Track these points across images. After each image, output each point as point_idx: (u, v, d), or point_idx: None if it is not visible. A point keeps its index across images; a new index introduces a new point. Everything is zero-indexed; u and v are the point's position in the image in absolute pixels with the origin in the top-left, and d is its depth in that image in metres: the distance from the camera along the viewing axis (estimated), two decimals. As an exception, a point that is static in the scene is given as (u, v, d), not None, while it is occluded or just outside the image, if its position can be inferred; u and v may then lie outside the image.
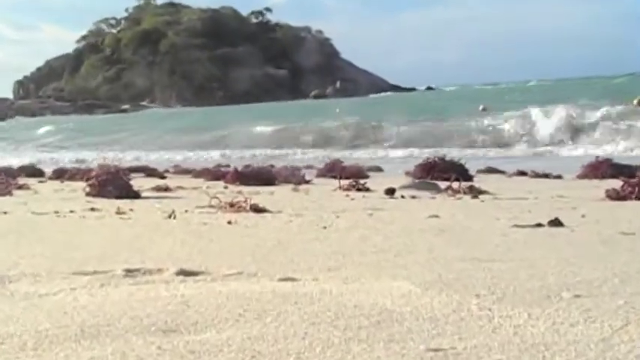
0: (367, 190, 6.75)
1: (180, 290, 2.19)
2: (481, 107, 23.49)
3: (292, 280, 2.36)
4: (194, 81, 69.83)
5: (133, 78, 71.98)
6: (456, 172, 7.90)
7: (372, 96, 59.36)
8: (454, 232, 3.62)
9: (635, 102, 21.34)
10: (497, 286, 2.23)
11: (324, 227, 3.80)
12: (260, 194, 6.31)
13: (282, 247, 3.11)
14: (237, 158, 16.23)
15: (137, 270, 2.51)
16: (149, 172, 10.84)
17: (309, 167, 12.10)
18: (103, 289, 2.22)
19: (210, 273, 2.48)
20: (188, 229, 3.74)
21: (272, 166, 10.38)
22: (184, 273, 2.46)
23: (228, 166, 10.98)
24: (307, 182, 8.37)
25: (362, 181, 7.07)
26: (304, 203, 5.41)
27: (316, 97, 64.74)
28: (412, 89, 74.40)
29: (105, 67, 74.60)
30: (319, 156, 17.11)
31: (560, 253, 2.94)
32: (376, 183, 7.60)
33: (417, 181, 7.38)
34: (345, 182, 7.14)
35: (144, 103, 68.70)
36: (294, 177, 8.45)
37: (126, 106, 65.77)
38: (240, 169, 8.41)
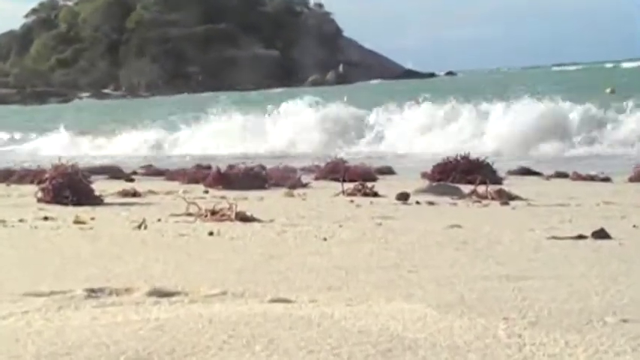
0: (375, 194, 6.79)
1: (153, 313, 2.23)
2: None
3: (286, 301, 2.39)
4: (167, 64, 69.81)
5: (93, 60, 71.96)
6: (482, 173, 7.95)
7: (384, 82, 59.42)
8: (479, 244, 3.66)
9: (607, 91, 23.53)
10: (530, 309, 2.27)
11: (324, 239, 3.84)
12: (248, 200, 6.34)
13: (275, 262, 3.15)
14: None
15: (101, 290, 2.54)
16: (114, 173, 10.87)
17: (304, 170, 12.14)
18: (62, 313, 2.25)
19: (189, 293, 2.52)
20: (162, 242, 3.78)
21: (263, 167, 10.40)
22: (158, 293, 2.50)
23: (209, 167, 11.01)
24: (304, 185, 8.41)
25: (369, 185, 7.12)
26: (301, 210, 5.45)
27: (314, 83, 64.74)
28: (431, 75, 74.66)
29: (59, 48, 74.53)
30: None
31: (605, 269, 2.98)
32: (386, 186, 7.63)
33: (434, 184, 7.43)
34: (349, 186, 7.18)
35: (107, 90, 68.63)
36: (289, 179, 8.49)
37: (85, 94, 65.74)
38: (223, 169, 8.45)
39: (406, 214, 5.20)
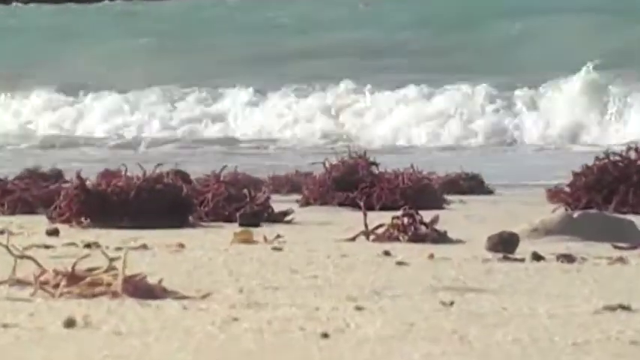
0: (440, 238, 6.95)
1: None
2: None
3: None
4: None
5: None
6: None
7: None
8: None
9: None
10: None
11: (325, 335, 3.95)
12: (150, 251, 6.47)
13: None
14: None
15: None
16: None
17: (276, 181, 12.23)
18: None
19: None
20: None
21: (184, 175, 10.46)
22: None
23: (59, 175, 11.08)
24: (280, 218, 8.56)
25: (426, 217, 7.25)
26: (270, 274, 5.59)
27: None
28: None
29: None
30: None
31: None
32: (467, 220, 7.73)
33: (576, 214, 7.53)
34: (380, 218, 7.33)
35: None
36: (243, 204, 8.61)
37: None
38: (93, 182, 8.56)
39: (509, 283, 5.34)
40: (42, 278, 4.87)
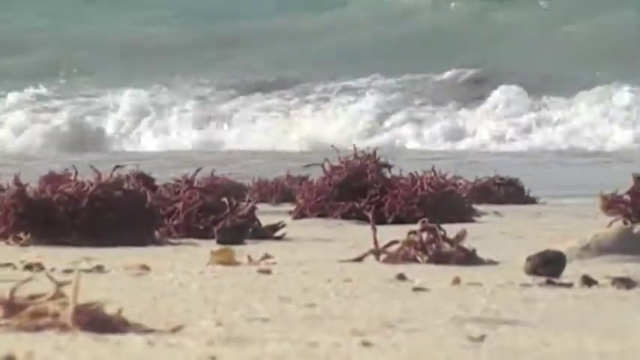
0: (468, 258, 7.00)
1: None
2: None
3: None
4: None
5: None
6: None
7: None
8: None
9: None
10: None
11: (323, 378, 3.99)
12: (106, 273, 6.52)
13: None
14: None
15: None
16: None
17: (264, 186, 12.32)
18: None
19: None
20: None
21: (148, 181, 10.51)
22: None
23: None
24: (268, 234, 8.59)
25: (451, 232, 7.28)
26: (257, 303, 5.63)
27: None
28: None
29: None
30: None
31: None
32: (503, 236, 7.74)
33: (638, 229, 7.52)
34: (394, 234, 7.35)
35: None
36: (222, 216, 8.65)
37: None
38: (34, 188, 8.59)
39: (553, 313, 5.39)
40: (-27, 308, 4.90)
